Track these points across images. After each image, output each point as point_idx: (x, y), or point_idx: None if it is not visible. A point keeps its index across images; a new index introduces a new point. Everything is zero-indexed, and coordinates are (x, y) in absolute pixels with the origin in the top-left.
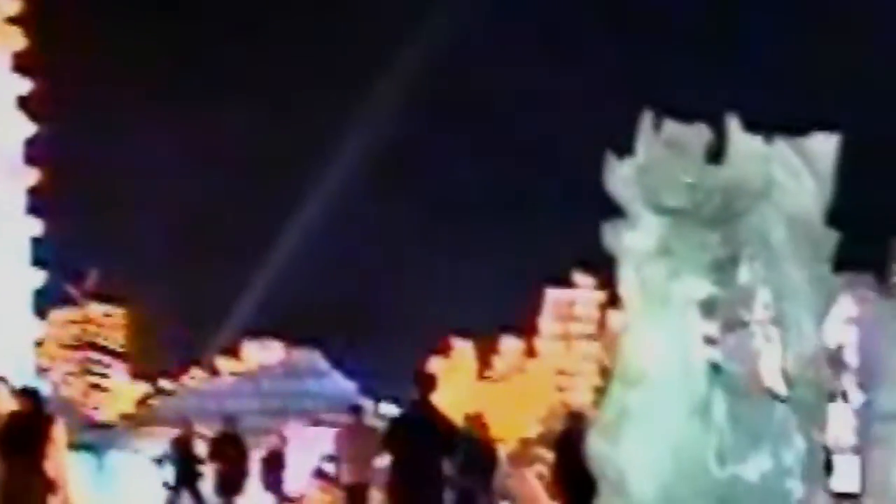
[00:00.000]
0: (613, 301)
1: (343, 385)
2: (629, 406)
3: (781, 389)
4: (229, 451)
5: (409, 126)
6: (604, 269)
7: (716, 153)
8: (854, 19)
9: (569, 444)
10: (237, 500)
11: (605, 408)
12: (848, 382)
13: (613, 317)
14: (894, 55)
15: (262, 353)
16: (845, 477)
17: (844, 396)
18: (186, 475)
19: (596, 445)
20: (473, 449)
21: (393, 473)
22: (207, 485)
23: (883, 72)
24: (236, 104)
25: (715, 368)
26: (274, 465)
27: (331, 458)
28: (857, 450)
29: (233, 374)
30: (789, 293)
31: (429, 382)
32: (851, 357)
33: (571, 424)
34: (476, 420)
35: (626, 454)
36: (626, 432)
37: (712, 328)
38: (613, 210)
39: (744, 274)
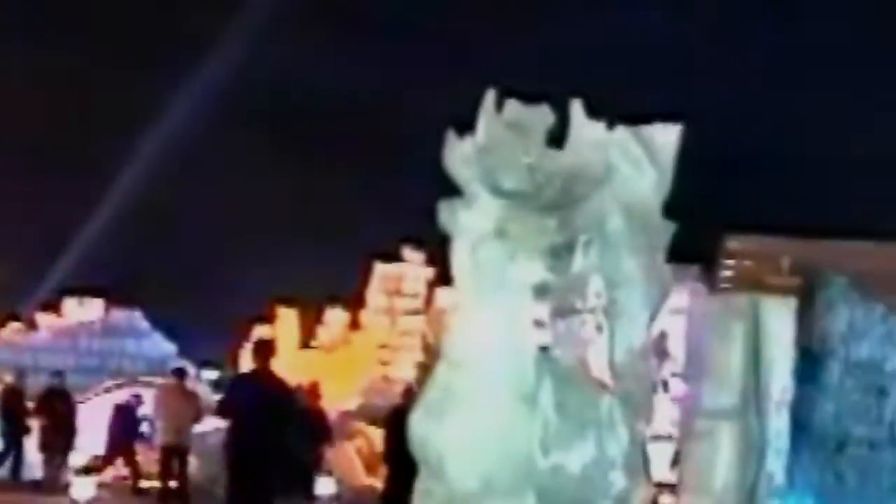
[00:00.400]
0: (442, 278)
1: (162, 346)
2: (454, 387)
3: (609, 380)
4: (57, 406)
5: (239, 90)
6: (434, 246)
7: (557, 137)
8: (699, 10)
9: (399, 421)
10: (61, 457)
11: (430, 388)
12: (669, 372)
13: (441, 294)
14: (739, 50)
15: (82, 310)
16: (658, 465)
17: (665, 386)
18: (13, 429)
19: (418, 426)
20: (308, 419)
21: (231, 439)
22: (32, 441)
23: (726, 65)
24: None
25: (544, 355)
26: (122, 423)
27: (146, 420)
28: (674, 440)
29: (51, 329)
30: (623, 282)
31: (268, 351)
32: (675, 347)
33: (405, 401)
34: (312, 391)
35: (449, 437)
36: (449, 414)
37: (544, 314)
38: (450, 188)
39: (578, 261)
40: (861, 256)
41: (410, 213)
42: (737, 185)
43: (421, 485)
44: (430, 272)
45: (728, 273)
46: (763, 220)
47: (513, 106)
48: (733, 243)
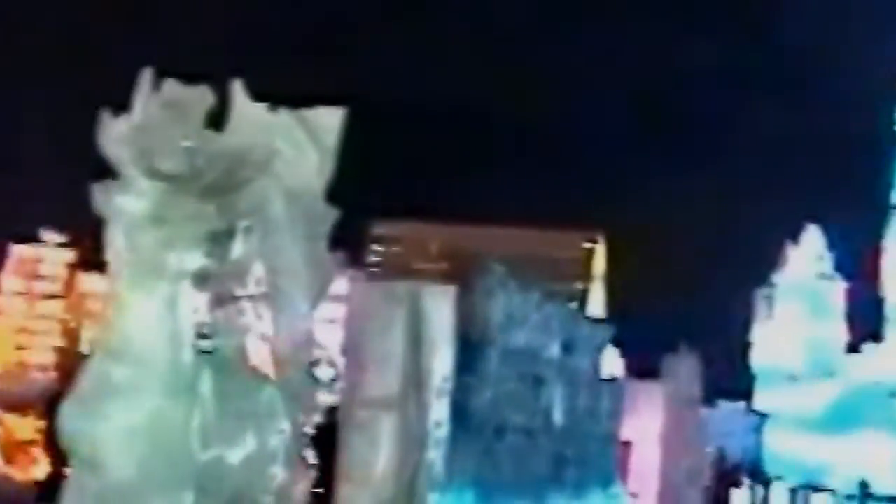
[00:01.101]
0: (84, 261)
1: None
2: (111, 378)
3: (270, 370)
4: None
5: None
6: (76, 228)
7: (218, 119)
8: None
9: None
10: None
11: (83, 379)
12: (321, 360)
13: (81, 277)
14: (402, 33)
15: None
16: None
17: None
18: None
19: (69, 418)
20: None
21: None
22: None
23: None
24: None
25: (203, 345)
26: None
27: None
28: (330, 430)
29: None
30: (285, 270)
31: None
32: (324, 334)
33: (62, 388)
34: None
35: (104, 430)
36: (104, 406)
37: (203, 302)
38: (105, 170)
39: (239, 247)
40: (510, 241)
41: (53, 194)
42: (385, 170)
43: (72, 479)
44: (70, 255)
45: (376, 259)
46: (413, 206)
47: (171, 85)
48: (381, 229)
